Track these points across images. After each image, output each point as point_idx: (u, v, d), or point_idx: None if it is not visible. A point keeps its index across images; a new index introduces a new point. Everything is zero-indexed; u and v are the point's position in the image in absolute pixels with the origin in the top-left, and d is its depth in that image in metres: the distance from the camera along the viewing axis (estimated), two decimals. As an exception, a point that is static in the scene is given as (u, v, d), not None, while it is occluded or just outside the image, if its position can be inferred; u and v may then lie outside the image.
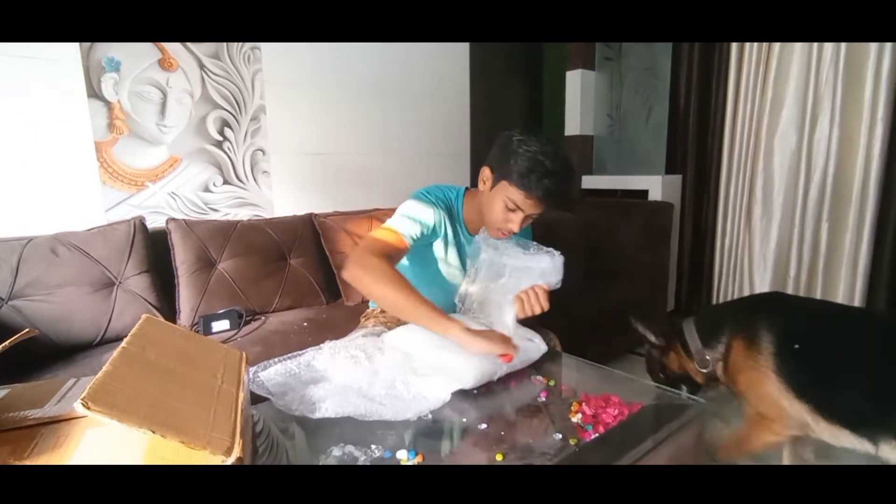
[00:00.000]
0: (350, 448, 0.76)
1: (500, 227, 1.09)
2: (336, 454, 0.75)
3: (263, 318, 1.68)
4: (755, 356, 1.06)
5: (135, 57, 1.72)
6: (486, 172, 1.10)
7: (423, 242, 1.13)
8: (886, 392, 0.93)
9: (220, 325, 1.56)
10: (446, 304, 1.10)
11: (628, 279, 2.38)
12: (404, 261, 1.17)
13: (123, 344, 0.64)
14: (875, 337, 0.99)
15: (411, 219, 1.09)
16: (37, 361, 1.31)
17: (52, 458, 0.55)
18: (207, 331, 1.54)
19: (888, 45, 1.90)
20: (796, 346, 1.03)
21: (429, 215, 1.12)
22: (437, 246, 1.19)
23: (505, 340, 0.94)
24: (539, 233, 2.06)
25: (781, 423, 1.04)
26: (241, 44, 1.94)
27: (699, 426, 0.93)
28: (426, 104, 2.52)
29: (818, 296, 2.16)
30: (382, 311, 1.29)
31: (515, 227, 1.08)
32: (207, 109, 1.89)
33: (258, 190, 2.05)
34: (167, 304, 1.60)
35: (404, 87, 2.42)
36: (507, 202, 1.05)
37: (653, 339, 1.24)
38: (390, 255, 1.03)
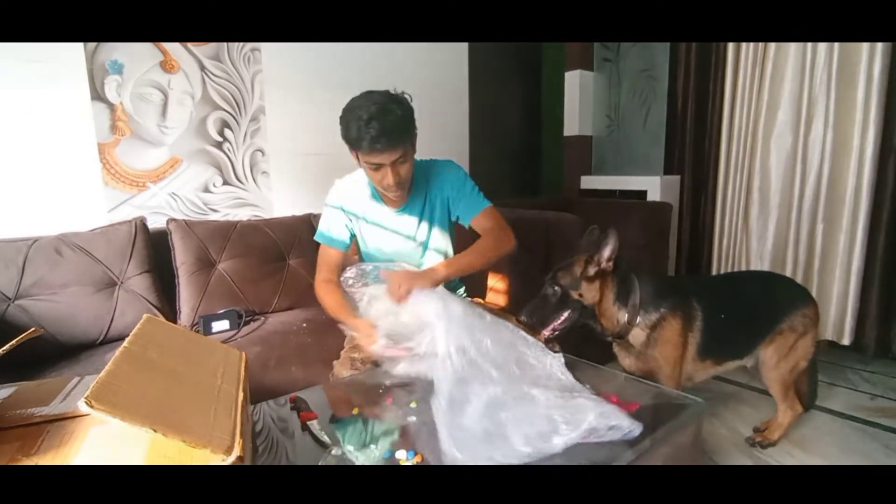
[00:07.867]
0: (350, 448, 0.77)
1: (385, 189, 1.17)
2: (336, 454, 0.76)
3: (263, 318, 1.69)
4: (686, 333, 1.27)
5: (137, 59, 1.73)
6: (351, 151, 1.16)
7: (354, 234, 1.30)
8: (744, 330, 1.39)
9: (220, 325, 1.58)
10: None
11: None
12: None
13: (125, 344, 0.65)
14: (739, 292, 1.42)
15: (327, 237, 1.27)
16: (42, 360, 1.32)
17: (57, 455, 0.56)
18: (207, 331, 1.55)
19: (879, 49, 1.91)
20: (722, 316, 1.31)
21: (338, 223, 1.28)
22: (359, 237, 1.31)
23: (367, 333, 1.03)
24: (539, 232, 2.08)
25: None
26: (241, 45, 1.95)
27: (697, 426, 0.94)
28: (425, 105, 2.49)
29: (814, 294, 2.16)
30: None
31: (391, 181, 1.12)
32: (208, 110, 1.90)
33: (257, 190, 2.06)
34: (168, 304, 1.61)
35: (403, 87, 2.39)
36: (367, 167, 1.13)
37: (604, 262, 1.19)
38: (332, 271, 1.22)
